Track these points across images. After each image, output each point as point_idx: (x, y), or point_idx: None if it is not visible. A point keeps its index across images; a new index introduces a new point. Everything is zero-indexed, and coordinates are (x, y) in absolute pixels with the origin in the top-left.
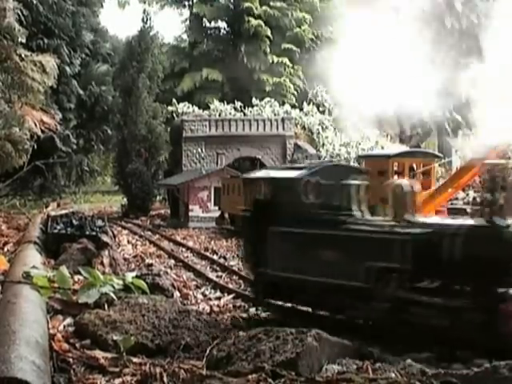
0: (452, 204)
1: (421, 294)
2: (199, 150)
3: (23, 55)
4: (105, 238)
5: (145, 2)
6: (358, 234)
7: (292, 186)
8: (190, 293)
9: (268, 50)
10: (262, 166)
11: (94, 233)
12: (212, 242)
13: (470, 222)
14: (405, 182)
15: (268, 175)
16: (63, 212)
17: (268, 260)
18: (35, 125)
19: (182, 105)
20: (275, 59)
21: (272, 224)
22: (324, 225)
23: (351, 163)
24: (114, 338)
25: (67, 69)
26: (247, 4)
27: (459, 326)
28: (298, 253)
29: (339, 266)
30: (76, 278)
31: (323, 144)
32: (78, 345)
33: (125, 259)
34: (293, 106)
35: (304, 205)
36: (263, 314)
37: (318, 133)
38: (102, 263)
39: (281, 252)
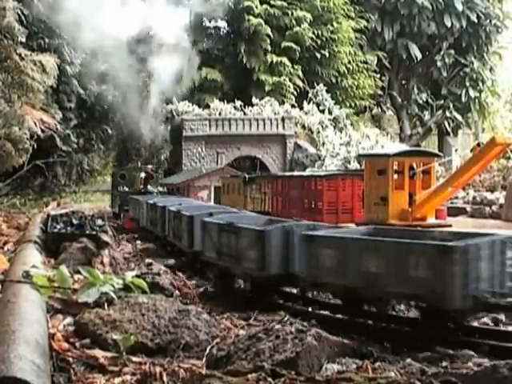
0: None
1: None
2: (199, 149)
3: (23, 55)
4: (105, 238)
5: (145, 2)
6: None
7: (115, 174)
8: (190, 292)
9: (268, 48)
10: (262, 165)
11: (94, 232)
12: None
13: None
14: (143, 174)
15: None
16: (63, 211)
17: (115, 203)
18: (35, 124)
19: (182, 104)
20: (275, 58)
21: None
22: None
23: (351, 162)
24: (114, 337)
25: (68, 68)
26: (247, 3)
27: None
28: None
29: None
30: (76, 277)
31: (323, 143)
32: (77, 344)
33: (125, 258)
34: (293, 106)
35: (118, 183)
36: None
37: (318, 132)
38: (101, 262)
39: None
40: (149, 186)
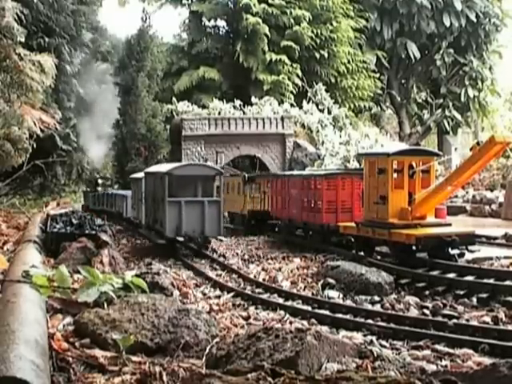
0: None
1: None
2: (199, 148)
3: (22, 54)
4: (104, 237)
5: (144, 1)
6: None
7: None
8: (190, 291)
9: (266, 48)
10: (262, 164)
11: (93, 232)
12: (211, 241)
13: None
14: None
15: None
16: (63, 211)
17: (88, 201)
18: (34, 124)
19: (181, 103)
20: (273, 57)
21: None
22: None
23: (351, 161)
24: (114, 336)
25: (67, 67)
26: (245, 1)
27: None
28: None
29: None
30: (75, 276)
31: (323, 142)
32: (77, 344)
33: (124, 258)
34: (292, 105)
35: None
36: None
37: (318, 131)
38: (101, 262)
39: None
40: (98, 188)
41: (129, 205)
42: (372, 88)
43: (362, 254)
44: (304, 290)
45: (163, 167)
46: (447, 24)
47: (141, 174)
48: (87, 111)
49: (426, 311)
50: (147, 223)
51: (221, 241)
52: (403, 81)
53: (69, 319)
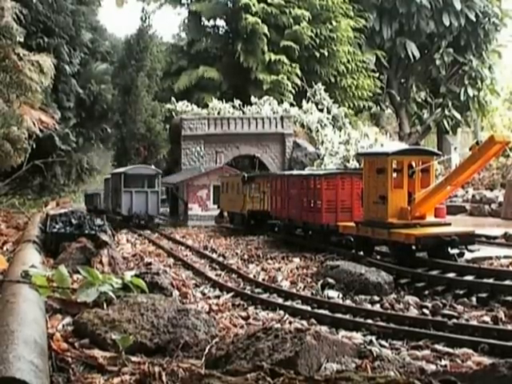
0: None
1: None
2: (198, 148)
3: (21, 54)
4: (104, 237)
5: (143, 1)
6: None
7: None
8: (189, 291)
9: (266, 47)
10: (261, 164)
11: (93, 232)
12: (211, 241)
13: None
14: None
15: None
16: (62, 211)
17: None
18: (34, 124)
19: (180, 103)
20: (273, 57)
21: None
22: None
23: (350, 160)
24: (113, 337)
25: (67, 68)
26: (245, 1)
27: None
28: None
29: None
30: (75, 277)
31: (322, 142)
32: (76, 344)
33: (124, 258)
34: (291, 104)
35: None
36: None
37: (317, 130)
38: (101, 262)
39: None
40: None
41: (101, 199)
42: (371, 87)
43: (361, 253)
44: (303, 289)
45: (122, 169)
46: (447, 23)
47: (109, 175)
48: None
49: (426, 311)
50: (112, 208)
51: (160, 219)
52: (403, 80)
53: (68, 319)
